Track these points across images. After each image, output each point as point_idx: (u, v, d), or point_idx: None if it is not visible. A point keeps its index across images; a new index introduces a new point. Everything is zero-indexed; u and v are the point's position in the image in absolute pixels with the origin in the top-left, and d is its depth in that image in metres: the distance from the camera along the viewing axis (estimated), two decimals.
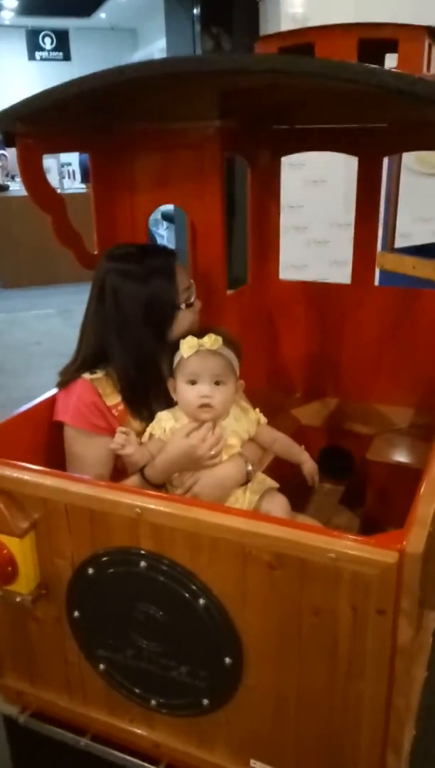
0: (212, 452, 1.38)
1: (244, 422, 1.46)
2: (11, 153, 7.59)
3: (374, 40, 1.76)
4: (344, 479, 2.43)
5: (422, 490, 1.05)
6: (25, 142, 1.29)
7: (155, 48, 10.30)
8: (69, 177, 8.02)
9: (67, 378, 1.48)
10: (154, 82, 1.15)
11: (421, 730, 1.35)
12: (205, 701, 1.13)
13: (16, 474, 1.13)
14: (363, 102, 1.69)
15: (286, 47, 1.79)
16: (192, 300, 1.51)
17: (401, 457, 2.18)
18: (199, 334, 1.40)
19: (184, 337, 1.40)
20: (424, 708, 1.40)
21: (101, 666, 1.21)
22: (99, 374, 1.46)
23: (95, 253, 1.58)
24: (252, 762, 1.15)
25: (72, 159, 8.26)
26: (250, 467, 1.42)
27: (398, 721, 1.00)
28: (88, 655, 1.22)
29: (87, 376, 1.46)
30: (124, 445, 1.35)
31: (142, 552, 1.07)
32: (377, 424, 2.38)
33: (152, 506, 1.04)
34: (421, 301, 2.39)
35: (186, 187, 1.70)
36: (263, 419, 1.51)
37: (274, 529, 0.97)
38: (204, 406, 1.39)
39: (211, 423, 1.40)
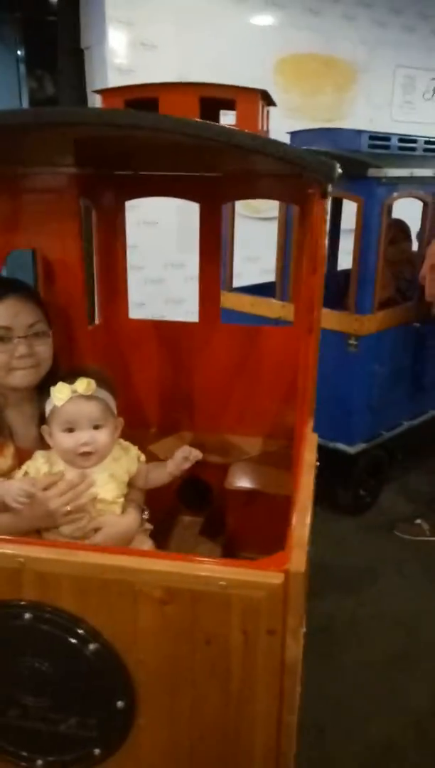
0: (68, 508, 1.33)
1: (124, 461, 1.45)
2: None
3: (213, 98, 1.89)
4: (203, 510, 2.49)
5: (295, 516, 1.12)
6: None
7: None
8: None
9: None
10: (12, 129, 1.15)
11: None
12: (97, 750, 1.11)
13: None
14: (203, 153, 1.81)
15: (131, 100, 1.86)
16: None
17: (256, 484, 2.29)
18: (69, 376, 1.39)
19: (5, 378, 1.40)
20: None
21: None
22: None
23: None
24: None
25: None
26: (145, 515, 1.43)
27: (289, 737, 1.05)
28: None
29: None
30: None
31: (28, 603, 1.04)
32: (231, 454, 2.48)
33: (37, 554, 1.02)
34: (262, 337, 2.55)
35: (43, 231, 1.70)
36: (142, 456, 1.52)
37: (163, 564, 0.99)
38: (85, 453, 1.36)
39: (73, 479, 1.35)
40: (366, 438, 3.14)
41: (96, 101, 2.15)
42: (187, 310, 3.98)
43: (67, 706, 1.09)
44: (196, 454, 1.52)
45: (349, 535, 3.06)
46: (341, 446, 3.08)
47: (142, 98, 1.86)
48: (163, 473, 1.56)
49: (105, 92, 1.92)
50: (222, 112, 2.04)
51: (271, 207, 4.58)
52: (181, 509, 2.49)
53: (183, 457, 1.51)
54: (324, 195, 1.25)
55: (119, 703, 1.07)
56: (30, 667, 1.07)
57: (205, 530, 2.46)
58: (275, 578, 0.95)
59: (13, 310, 1.43)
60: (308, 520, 1.10)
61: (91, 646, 1.04)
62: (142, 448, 2.48)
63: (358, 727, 2.00)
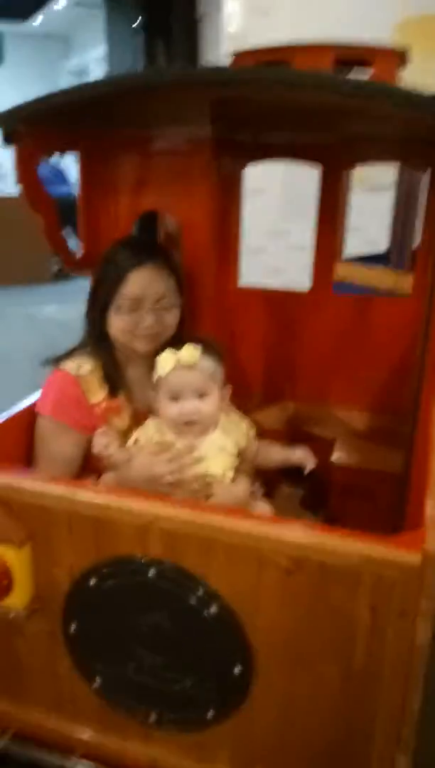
0: (170, 478, 1.32)
1: (234, 435, 1.43)
2: None
3: (344, 59, 1.80)
4: (304, 482, 2.45)
5: (430, 495, 1.05)
6: (25, 142, 1.26)
7: (90, 57, 10.25)
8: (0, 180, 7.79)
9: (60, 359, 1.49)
10: (161, 90, 1.14)
11: None
12: (211, 713, 1.11)
13: (15, 482, 1.08)
14: (332, 115, 1.73)
15: (264, 63, 1.80)
16: (124, 307, 1.44)
17: (363, 460, 2.22)
18: (179, 344, 1.38)
19: (123, 341, 1.44)
20: None
21: (97, 681, 1.17)
22: (86, 368, 1.44)
23: (80, 255, 1.54)
24: None
25: (4, 161, 7.99)
26: (256, 486, 1.41)
27: (411, 722, 1.01)
28: (83, 671, 1.17)
29: (72, 369, 1.43)
30: (107, 446, 1.32)
31: (151, 560, 1.04)
32: (336, 428, 2.41)
33: (165, 513, 1.01)
34: (375, 307, 2.45)
35: (175, 193, 1.69)
36: (253, 431, 1.50)
37: (294, 533, 0.96)
38: (189, 422, 1.36)
39: (181, 449, 1.35)
40: None
41: None
42: (287, 281, 3.90)
43: (184, 666, 1.10)
44: (312, 463, 1.52)
45: None
46: None
47: (275, 60, 1.80)
48: (273, 458, 1.55)
49: (238, 55, 1.87)
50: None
51: (376, 176, 4.39)
52: (281, 479, 2.46)
53: (299, 460, 1.52)
54: None
55: (236, 669, 1.06)
56: (150, 623, 1.08)
57: (305, 502, 2.42)
58: (412, 558, 0.90)
59: (146, 280, 1.43)
60: None
61: (212, 609, 1.03)
62: (245, 416, 2.48)
63: None
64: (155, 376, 1.38)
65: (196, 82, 1.09)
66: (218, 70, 1.12)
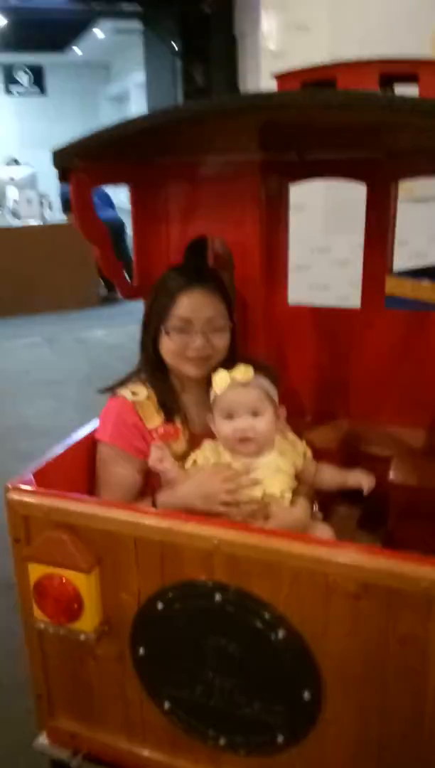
0: (228, 497, 1.32)
1: (290, 456, 1.44)
2: None
3: (390, 74, 1.80)
4: (361, 502, 2.42)
5: None
6: (80, 176, 1.30)
7: (130, 83, 10.48)
8: (48, 208, 7.97)
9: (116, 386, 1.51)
10: (213, 119, 1.16)
11: None
12: (280, 738, 1.11)
13: (82, 508, 1.11)
14: (378, 131, 1.73)
15: (309, 82, 1.83)
16: (174, 328, 1.45)
17: (422, 479, 2.18)
18: (233, 364, 1.40)
19: (173, 365, 1.45)
20: None
21: (166, 704, 1.18)
22: (142, 395, 1.46)
23: (134, 283, 1.58)
24: None
25: (50, 190, 8.22)
26: (315, 508, 1.41)
27: None
28: (152, 694, 1.19)
29: (129, 396, 1.46)
30: (162, 459, 1.34)
31: (217, 584, 1.05)
32: (392, 446, 2.38)
33: (230, 537, 1.02)
34: (427, 322, 2.42)
35: (223, 217, 1.71)
36: (309, 452, 1.50)
37: (360, 558, 0.96)
38: (244, 440, 1.37)
39: (238, 468, 1.36)
40: None
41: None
42: (332, 296, 3.88)
43: (252, 690, 1.10)
44: (370, 484, 1.53)
45: None
46: None
47: (319, 79, 1.81)
48: (330, 481, 1.56)
49: (282, 76, 1.89)
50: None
51: (421, 187, 4.35)
52: (338, 499, 2.43)
53: (359, 483, 1.52)
54: None
55: (305, 694, 1.05)
56: (217, 647, 1.09)
57: (362, 522, 2.39)
58: None
59: (196, 303, 1.45)
60: None
61: (279, 633, 1.04)
62: (299, 437, 2.47)
63: None
64: (211, 396, 1.40)
65: (250, 110, 1.10)
66: (272, 97, 1.13)
